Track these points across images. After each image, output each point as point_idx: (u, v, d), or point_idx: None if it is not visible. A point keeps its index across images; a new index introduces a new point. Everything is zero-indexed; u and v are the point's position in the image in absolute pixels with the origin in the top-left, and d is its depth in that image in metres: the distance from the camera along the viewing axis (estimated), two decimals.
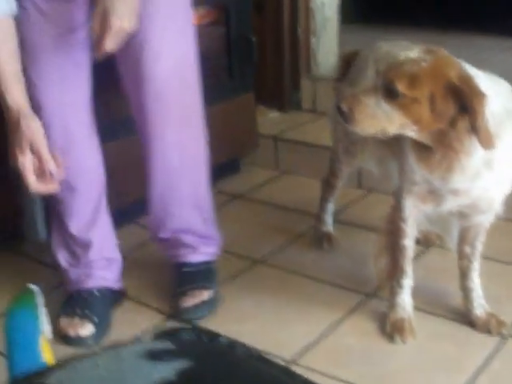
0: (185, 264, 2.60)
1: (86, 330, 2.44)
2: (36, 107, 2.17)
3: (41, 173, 2.05)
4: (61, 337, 2.42)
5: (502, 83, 2.10)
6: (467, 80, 1.95)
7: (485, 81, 2.00)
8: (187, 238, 2.56)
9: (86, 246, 2.50)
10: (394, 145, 2.39)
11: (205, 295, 2.55)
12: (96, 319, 2.48)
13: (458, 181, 2.10)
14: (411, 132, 2.05)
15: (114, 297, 2.58)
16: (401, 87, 1.98)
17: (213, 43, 3.34)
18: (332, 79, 2.88)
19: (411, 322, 2.37)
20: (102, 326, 2.48)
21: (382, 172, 2.70)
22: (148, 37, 2.27)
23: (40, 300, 1.78)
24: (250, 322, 2.49)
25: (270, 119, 3.93)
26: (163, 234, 2.57)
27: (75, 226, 2.48)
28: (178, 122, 2.40)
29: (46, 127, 2.15)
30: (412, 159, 2.16)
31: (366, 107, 2.03)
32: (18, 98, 2.03)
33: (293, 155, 3.65)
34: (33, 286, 1.82)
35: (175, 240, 2.57)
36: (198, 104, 2.45)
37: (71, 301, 2.54)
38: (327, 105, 3.75)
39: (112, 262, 2.56)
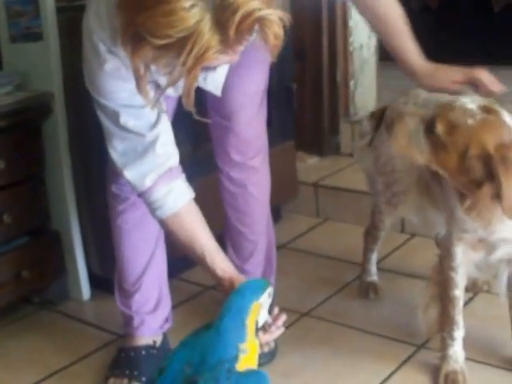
0: None
1: None
2: None
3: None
4: None
5: None
6: (503, 149, 1.92)
7: None
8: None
9: (134, 290, 2.53)
10: (437, 194, 2.37)
11: (271, 345, 2.56)
12: (144, 379, 2.47)
13: (501, 230, 2.06)
14: (441, 173, 2.06)
15: (162, 355, 2.56)
16: (439, 128, 1.98)
17: None
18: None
19: (464, 373, 2.31)
20: None
21: (423, 221, 2.67)
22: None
23: (271, 290, 1.94)
24: (298, 376, 2.46)
25: (309, 165, 3.92)
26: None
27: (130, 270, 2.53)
28: None
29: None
30: (459, 206, 2.12)
31: (405, 127, 2.04)
32: (225, 267, 2.10)
33: (333, 201, 3.64)
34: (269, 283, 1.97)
35: None
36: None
37: (119, 361, 2.53)
38: None
39: (158, 307, 2.57)
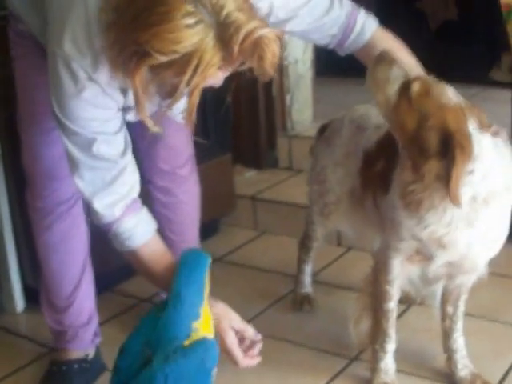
0: None
1: None
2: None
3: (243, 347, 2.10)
4: None
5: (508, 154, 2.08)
6: (464, 135, 1.95)
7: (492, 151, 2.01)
8: None
9: (68, 304, 2.50)
10: (370, 208, 2.40)
11: None
12: None
13: (433, 223, 2.07)
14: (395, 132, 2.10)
15: (94, 369, 2.54)
16: (415, 86, 2.02)
17: None
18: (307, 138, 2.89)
19: None
20: None
21: (357, 233, 2.71)
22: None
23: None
24: None
25: (247, 178, 3.93)
26: None
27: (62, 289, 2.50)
28: None
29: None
30: (397, 201, 2.13)
31: (390, 70, 2.07)
32: None
33: (271, 215, 3.65)
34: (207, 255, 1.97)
35: None
36: None
37: (52, 375, 2.52)
38: (303, 162, 3.79)
39: (91, 320, 2.55)
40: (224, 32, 1.69)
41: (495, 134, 2.04)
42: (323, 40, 2.28)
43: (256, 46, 1.73)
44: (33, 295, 3.02)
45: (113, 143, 2.02)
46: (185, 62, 1.69)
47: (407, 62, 2.23)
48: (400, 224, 2.16)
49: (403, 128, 2.04)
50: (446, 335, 2.41)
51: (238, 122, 3.91)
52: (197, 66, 1.69)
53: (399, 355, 2.38)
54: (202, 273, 1.93)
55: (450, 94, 2.03)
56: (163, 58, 1.69)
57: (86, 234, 2.46)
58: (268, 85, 3.94)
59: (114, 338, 2.59)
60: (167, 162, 2.54)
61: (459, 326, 2.38)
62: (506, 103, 3.25)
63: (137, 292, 3.07)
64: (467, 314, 2.42)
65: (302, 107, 4.13)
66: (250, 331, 2.09)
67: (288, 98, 4.06)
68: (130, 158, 2.07)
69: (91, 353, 2.54)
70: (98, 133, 1.99)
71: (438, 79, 2.10)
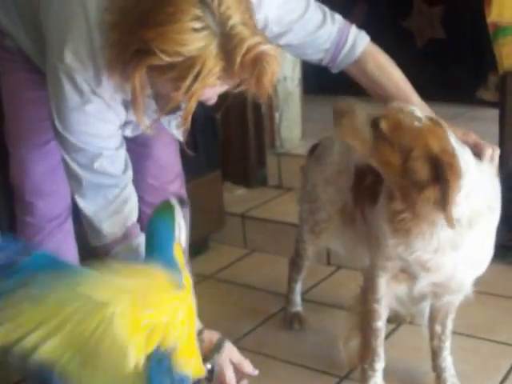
0: None
1: None
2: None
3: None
4: None
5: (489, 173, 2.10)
6: (449, 154, 1.95)
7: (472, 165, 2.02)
8: None
9: None
10: (360, 225, 2.41)
11: None
12: None
13: (420, 249, 2.08)
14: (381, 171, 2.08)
15: None
16: (383, 124, 2.00)
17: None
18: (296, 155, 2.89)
19: None
20: None
21: (348, 252, 2.71)
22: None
23: (178, 211, 1.85)
24: None
25: (236, 196, 3.94)
26: None
27: None
28: None
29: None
30: (385, 225, 2.14)
31: (354, 117, 2.06)
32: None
33: (260, 233, 3.66)
34: (173, 201, 1.87)
35: None
36: None
37: None
38: (292, 180, 3.80)
39: None
40: (227, 43, 1.70)
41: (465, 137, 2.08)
42: (317, 55, 2.29)
43: (257, 61, 1.73)
44: None
45: (115, 159, 2.02)
46: (188, 66, 1.68)
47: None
48: (387, 246, 2.17)
49: (389, 165, 2.03)
50: (435, 353, 2.42)
51: (227, 139, 3.92)
52: (198, 73, 1.68)
53: (388, 374, 2.39)
54: (170, 246, 1.81)
55: (417, 113, 2.02)
56: (167, 59, 1.68)
57: (76, 251, 2.46)
58: (257, 102, 3.95)
59: None
60: (157, 178, 2.54)
61: (447, 344, 2.40)
62: (493, 122, 3.27)
63: None
64: (456, 333, 2.45)
65: (291, 125, 4.15)
66: (247, 366, 2.04)
67: (277, 115, 4.08)
68: (130, 175, 2.07)
69: None
70: (100, 148, 1.98)
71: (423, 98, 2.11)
